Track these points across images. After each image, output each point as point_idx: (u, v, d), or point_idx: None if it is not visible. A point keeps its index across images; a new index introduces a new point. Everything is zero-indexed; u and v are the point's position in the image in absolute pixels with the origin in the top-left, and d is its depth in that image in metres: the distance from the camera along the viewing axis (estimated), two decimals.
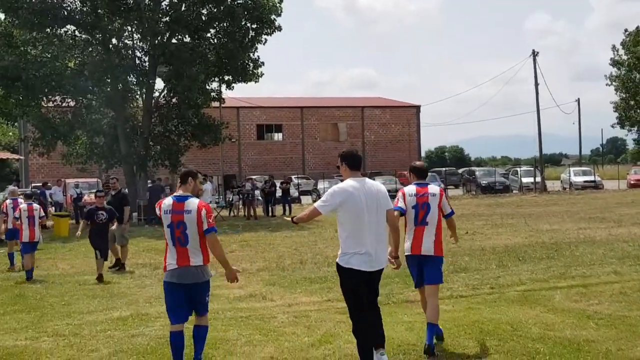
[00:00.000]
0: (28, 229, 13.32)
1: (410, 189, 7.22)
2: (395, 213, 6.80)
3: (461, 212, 27.48)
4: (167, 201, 6.37)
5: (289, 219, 6.46)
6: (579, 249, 14.10)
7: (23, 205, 13.69)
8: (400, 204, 7.08)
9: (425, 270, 6.99)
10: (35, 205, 13.89)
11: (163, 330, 8.10)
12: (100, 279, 12.26)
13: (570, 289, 9.79)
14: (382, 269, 6.21)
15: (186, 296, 6.27)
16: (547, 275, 11.15)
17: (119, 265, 13.98)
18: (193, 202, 6.26)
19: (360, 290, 6.07)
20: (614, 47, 59.29)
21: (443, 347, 6.92)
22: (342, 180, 6.31)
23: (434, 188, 7.24)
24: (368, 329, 6.08)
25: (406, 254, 7.05)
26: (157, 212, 6.44)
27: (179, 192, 6.37)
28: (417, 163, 7.63)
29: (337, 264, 6.18)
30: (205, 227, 6.17)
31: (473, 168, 54.62)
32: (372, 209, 6.05)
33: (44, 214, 14.76)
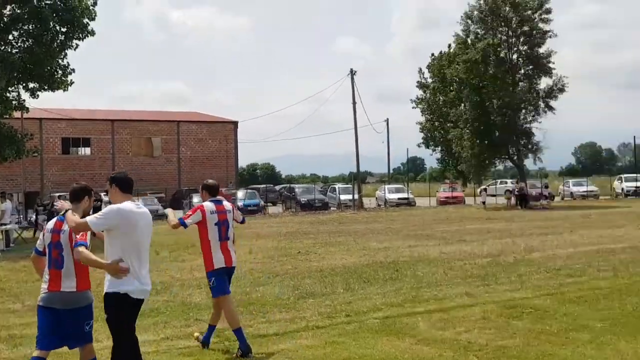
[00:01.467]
0: None
1: (210, 206, 7.57)
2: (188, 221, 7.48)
3: (285, 230, 27.17)
4: (53, 221, 5.80)
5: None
6: (419, 269, 13.82)
7: None
8: (190, 219, 7.44)
9: (229, 280, 7.70)
10: None
11: None
12: None
13: (430, 314, 9.24)
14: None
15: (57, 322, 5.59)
16: (399, 298, 10.58)
17: None
18: None
19: (133, 322, 5.61)
20: (420, 70, 62.65)
21: None
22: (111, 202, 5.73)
23: (227, 205, 7.78)
24: None
25: (220, 266, 7.47)
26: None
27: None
28: (210, 181, 7.93)
29: (107, 294, 5.43)
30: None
31: (293, 185, 54.60)
32: (148, 234, 5.68)
33: None
